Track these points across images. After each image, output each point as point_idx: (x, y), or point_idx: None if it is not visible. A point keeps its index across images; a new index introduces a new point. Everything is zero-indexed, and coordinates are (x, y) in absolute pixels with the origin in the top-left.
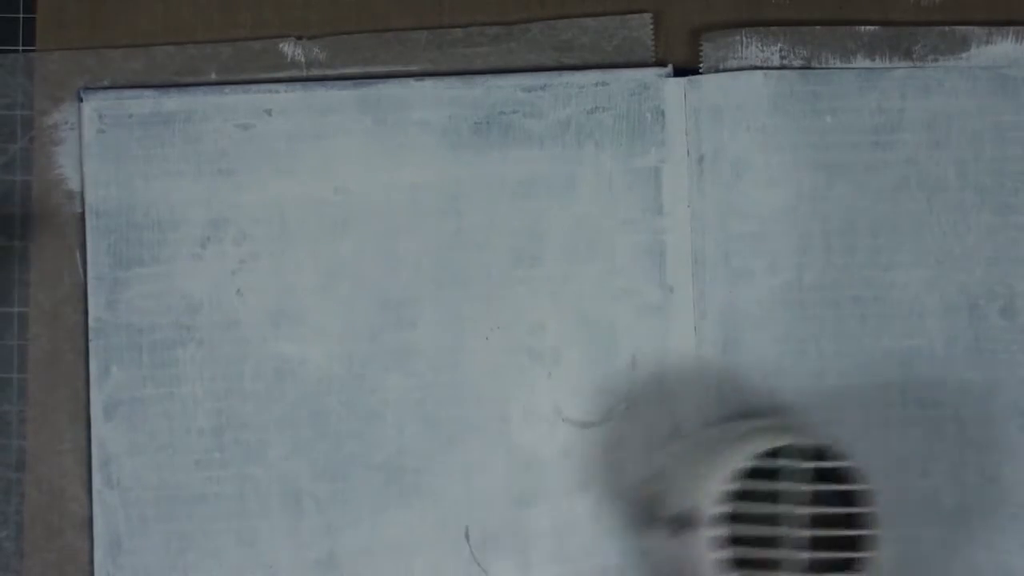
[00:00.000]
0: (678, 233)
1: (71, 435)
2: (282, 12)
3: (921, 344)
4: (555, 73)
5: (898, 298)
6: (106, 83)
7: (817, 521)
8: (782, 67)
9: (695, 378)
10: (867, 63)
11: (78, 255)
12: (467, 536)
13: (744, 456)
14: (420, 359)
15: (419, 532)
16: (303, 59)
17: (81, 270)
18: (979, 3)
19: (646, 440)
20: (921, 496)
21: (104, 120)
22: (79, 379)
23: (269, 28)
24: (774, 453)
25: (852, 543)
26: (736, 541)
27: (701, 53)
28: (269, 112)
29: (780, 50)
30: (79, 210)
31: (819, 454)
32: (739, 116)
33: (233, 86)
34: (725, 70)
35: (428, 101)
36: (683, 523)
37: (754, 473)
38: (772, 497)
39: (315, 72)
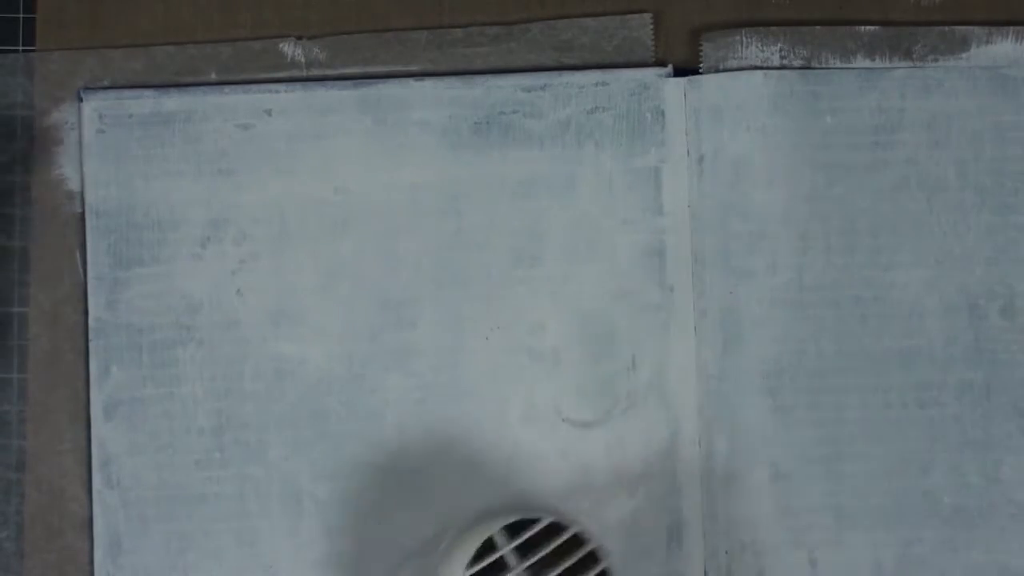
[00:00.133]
0: (678, 233)
1: (71, 435)
2: (282, 12)
3: (921, 344)
4: (555, 73)
5: (898, 298)
6: (106, 83)
7: None
8: (782, 67)
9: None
10: (867, 63)
11: (78, 255)
12: None
13: (461, 565)
14: (420, 359)
15: (419, 532)
16: (303, 59)
17: (81, 270)
18: (979, 3)
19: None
20: (921, 496)
21: (104, 120)
22: (79, 379)
23: (269, 28)
24: (478, 556)
25: None
26: None
27: (701, 53)
28: (269, 112)
29: (780, 50)
30: (79, 210)
31: (520, 526)
32: (739, 116)
33: (233, 86)
34: (725, 70)
35: (428, 101)
36: None
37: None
38: None
39: (315, 72)
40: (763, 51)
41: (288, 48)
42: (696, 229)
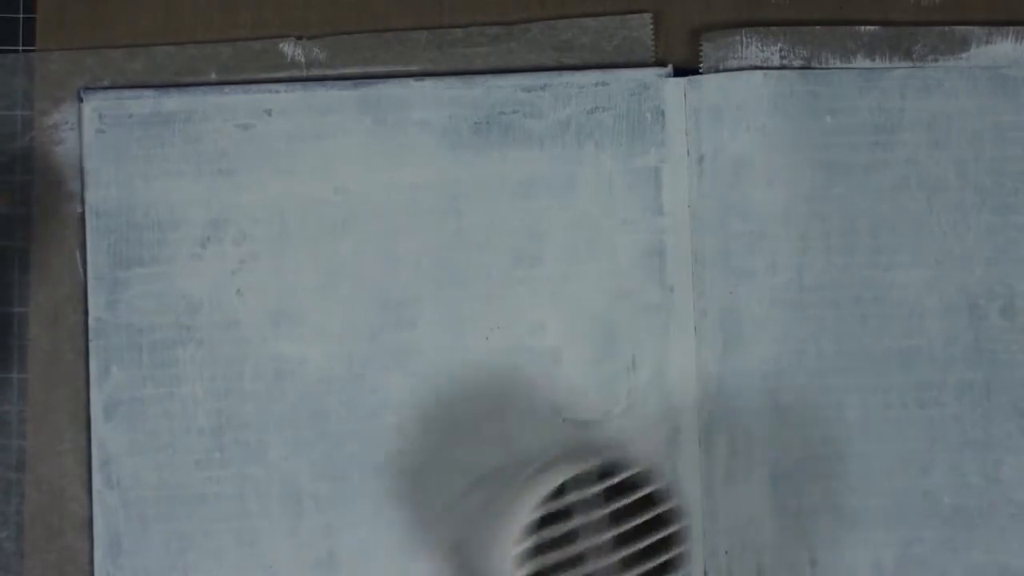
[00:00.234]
0: (678, 233)
1: (71, 435)
2: (282, 12)
3: (921, 344)
4: (555, 73)
5: (898, 298)
6: (106, 83)
7: (626, 539)
8: (782, 67)
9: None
10: (867, 63)
11: (78, 255)
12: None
13: (529, 508)
14: (420, 359)
15: (419, 532)
16: (303, 59)
17: (81, 270)
18: (979, 3)
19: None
20: (921, 496)
21: (104, 120)
22: (79, 379)
23: (269, 28)
24: (561, 490)
25: (664, 562)
26: None
27: (701, 53)
28: (269, 112)
29: (780, 50)
30: (79, 210)
31: (608, 471)
32: (739, 116)
33: (233, 86)
34: (725, 70)
35: (428, 101)
36: None
37: (546, 520)
38: (573, 536)
39: (315, 72)
40: (763, 51)
41: (288, 48)
42: (696, 229)
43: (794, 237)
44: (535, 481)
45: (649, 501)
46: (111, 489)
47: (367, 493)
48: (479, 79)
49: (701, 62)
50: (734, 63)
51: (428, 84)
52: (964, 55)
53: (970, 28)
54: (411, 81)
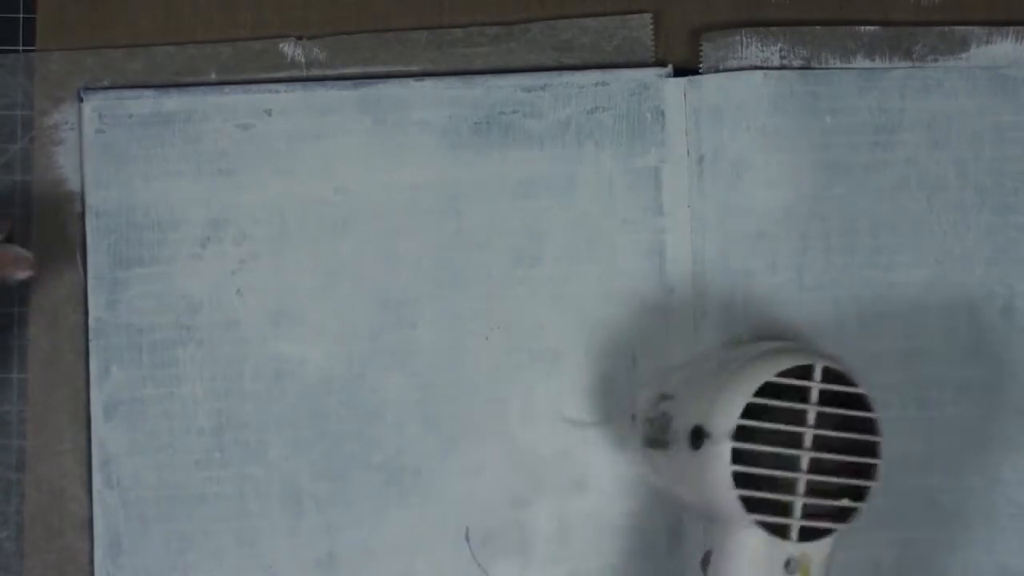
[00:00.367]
0: (678, 233)
1: (71, 435)
2: (282, 12)
3: (921, 344)
4: (555, 73)
5: (898, 298)
6: (106, 83)
7: (824, 444)
8: (782, 67)
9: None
10: (867, 63)
11: (78, 255)
12: (467, 536)
13: (764, 372)
14: (420, 359)
15: (419, 532)
16: (303, 59)
17: (81, 270)
18: (979, 3)
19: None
20: (921, 496)
21: (104, 120)
22: (79, 379)
23: (269, 28)
24: (791, 373)
25: (857, 470)
26: (749, 458)
27: (701, 53)
28: (269, 112)
29: (780, 50)
30: (79, 210)
31: (834, 378)
32: (739, 116)
33: (233, 86)
34: (725, 70)
35: (428, 101)
36: (699, 438)
37: (770, 391)
38: (787, 416)
39: (315, 72)
40: (763, 51)
41: (288, 48)
42: (696, 229)
43: (794, 237)
44: (768, 358)
45: (856, 401)
46: (111, 489)
47: (367, 493)
48: (479, 79)
49: (701, 62)
50: (734, 63)
51: (428, 84)
52: (964, 55)
53: (970, 28)
54: (411, 81)
